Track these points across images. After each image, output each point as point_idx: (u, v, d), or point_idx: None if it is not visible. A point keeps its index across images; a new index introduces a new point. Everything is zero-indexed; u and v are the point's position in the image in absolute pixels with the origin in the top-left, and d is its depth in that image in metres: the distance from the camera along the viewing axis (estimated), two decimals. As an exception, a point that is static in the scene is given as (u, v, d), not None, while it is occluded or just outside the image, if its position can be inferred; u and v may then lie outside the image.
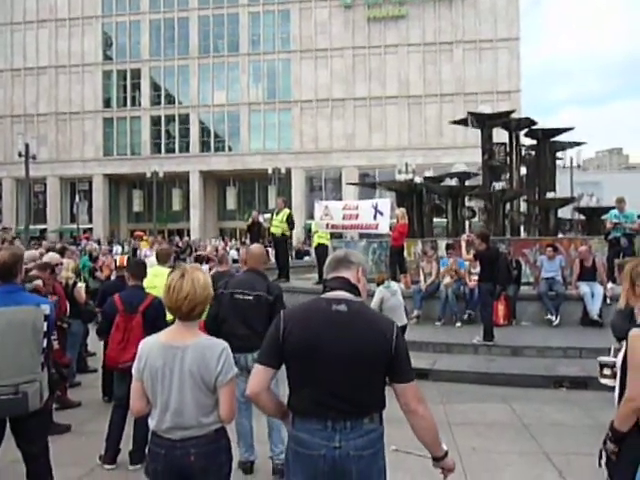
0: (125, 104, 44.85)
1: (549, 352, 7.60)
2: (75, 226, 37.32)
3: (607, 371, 3.28)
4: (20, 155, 23.58)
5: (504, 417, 5.67)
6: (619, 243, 9.86)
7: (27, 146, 23.54)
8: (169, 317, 2.58)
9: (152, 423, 2.41)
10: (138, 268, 4.85)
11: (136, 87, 44.72)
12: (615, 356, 3.07)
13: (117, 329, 4.38)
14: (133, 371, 2.42)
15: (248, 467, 4.29)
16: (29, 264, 5.88)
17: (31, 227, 32.15)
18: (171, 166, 41.15)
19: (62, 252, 7.84)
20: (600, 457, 2.66)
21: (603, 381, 3.36)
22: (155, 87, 44.89)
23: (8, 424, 3.30)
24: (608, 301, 8.97)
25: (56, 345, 5.69)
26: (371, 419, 2.13)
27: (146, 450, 2.50)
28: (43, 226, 41.56)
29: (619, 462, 2.48)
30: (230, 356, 2.39)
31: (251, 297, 4.26)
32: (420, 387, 6.49)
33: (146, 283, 4.87)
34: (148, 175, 37.20)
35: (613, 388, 2.78)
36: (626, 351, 2.57)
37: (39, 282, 5.34)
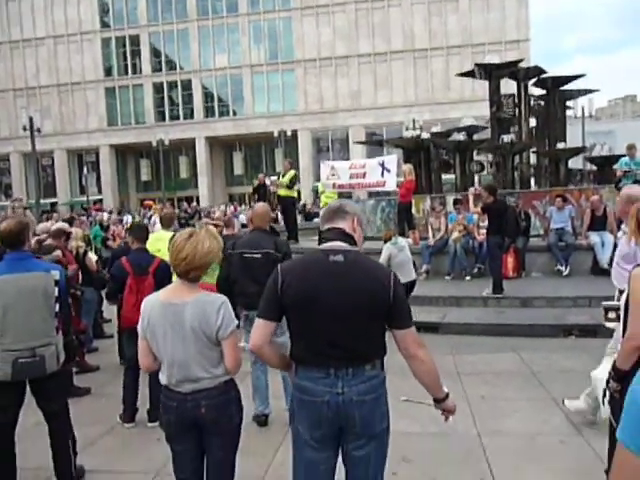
0: (126, 72, 44.29)
1: (558, 302, 7.63)
2: (85, 198, 37.47)
3: (612, 314, 3.29)
4: (25, 129, 23.56)
5: (513, 366, 5.75)
6: (630, 191, 9.71)
7: (31, 119, 23.49)
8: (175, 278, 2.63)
9: (162, 378, 2.49)
10: (140, 231, 4.91)
11: (136, 54, 44.04)
12: (619, 299, 3.09)
13: (130, 291, 4.46)
14: (138, 330, 2.49)
15: (262, 420, 4.43)
16: (42, 236, 5.96)
17: (41, 201, 32.37)
18: (176, 133, 40.88)
19: (70, 221, 7.93)
20: (604, 396, 2.72)
21: (608, 325, 3.38)
22: (155, 53, 44.20)
23: (28, 387, 3.42)
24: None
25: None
26: (373, 366, 2.18)
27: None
28: (53, 200, 41.79)
29: (622, 400, 2.51)
30: (230, 309, 2.44)
31: (259, 255, 4.31)
32: (430, 340, 6.57)
33: (150, 247, 4.93)
34: (154, 144, 37.06)
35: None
36: (629, 292, 2.58)
37: (58, 253, 5.44)
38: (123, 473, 3.80)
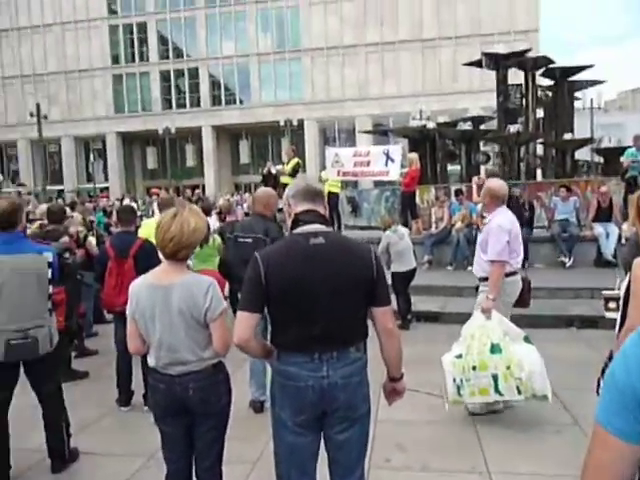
0: (133, 60, 44.22)
1: (560, 293, 7.57)
2: (92, 185, 37.63)
3: (612, 304, 3.25)
4: (32, 115, 23.63)
5: (512, 356, 5.71)
6: (636, 182, 9.62)
7: (38, 106, 23.56)
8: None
9: (151, 361, 2.48)
10: (125, 214, 4.88)
11: (143, 42, 43.94)
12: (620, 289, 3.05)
13: (110, 274, 4.46)
14: (127, 313, 2.48)
15: (258, 406, 4.42)
16: (44, 220, 5.98)
17: (49, 188, 32.59)
18: (183, 121, 40.86)
19: (72, 206, 7.93)
20: (598, 386, 2.68)
21: (608, 315, 3.34)
22: (163, 41, 44.07)
23: (22, 368, 3.43)
24: (623, 241, 8.84)
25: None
26: (357, 348, 2.16)
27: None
28: (60, 187, 41.94)
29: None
30: (218, 291, 2.42)
31: (250, 239, 4.28)
32: (430, 329, 6.56)
33: (146, 232, 4.91)
34: (160, 132, 37.08)
35: None
36: (630, 281, 2.53)
37: (66, 239, 5.44)
38: (117, 455, 3.82)
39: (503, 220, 4.18)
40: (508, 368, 3.85)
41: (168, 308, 2.37)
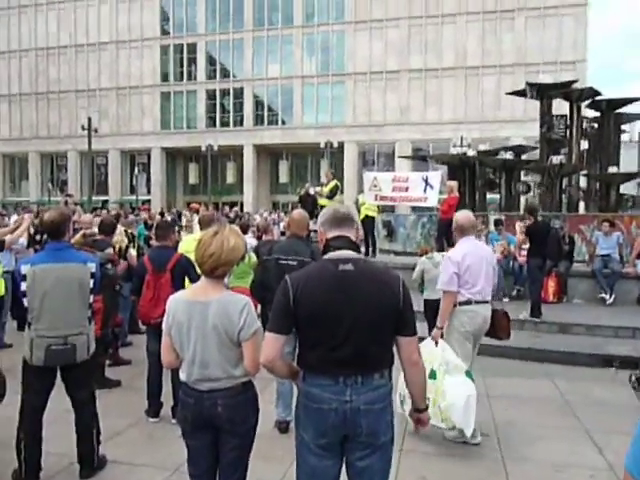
0: (182, 78, 45.64)
1: (599, 330, 7.34)
2: (134, 197, 38.71)
3: None
4: (83, 128, 24.59)
5: (546, 392, 5.56)
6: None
7: (89, 120, 24.52)
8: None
9: (182, 375, 2.53)
10: (161, 230, 5.01)
11: (192, 61, 45.34)
12: None
13: (148, 287, 4.57)
14: (163, 326, 2.53)
15: (284, 427, 4.41)
16: (89, 230, 6.21)
17: (94, 198, 33.67)
18: (225, 140, 41.76)
19: (117, 218, 8.17)
20: None
21: None
22: (211, 61, 45.38)
23: (59, 373, 3.54)
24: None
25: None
26: (381, 375, 2.17)
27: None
28: (105, 197, 43.28)
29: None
30: (253, 310, 2.45)
31: (295, 262, 4.31)
32: (458, 360, 6.28)
33: (186, 247, 5.03)
34: (203, 148, 37.98)
35: None
36: None
37: (111, 250, 5.64)
38: (143, 466, 3.87)
39: (454, 252, 4.33)
40: (435, 395, 4.00)
41: (203, 324, 2.42)
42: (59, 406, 3.74)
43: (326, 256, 2.24)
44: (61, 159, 47.29)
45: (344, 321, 2.10)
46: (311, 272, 2.25)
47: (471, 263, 4.24)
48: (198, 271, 2.58)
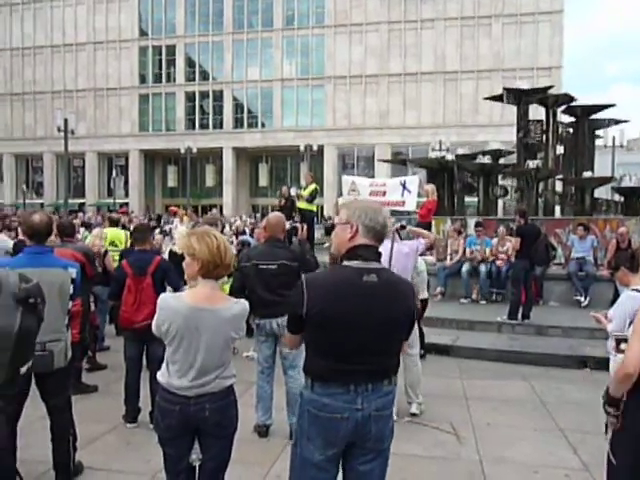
0: (160, 80, 45.23)
1: (575, 332, 7.47)
2: (112, 200, 38.19)
3: (624, 346, 3.22)
4: (59, 130, 24.13)
5: (522, 394, 5.64)
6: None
7: (66, 121, 24.06)
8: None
9: (165, 380, 2.46)
10: (139, 233, 4.97)
11: (171, 63, 44.99)
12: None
13: (129, 291, 4.51)
14: (153, 329, 2.48)
15: (264, 431, 4.40)
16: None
17: (70, 201, 33.08)
18: (205, 142, 41.50)
19: (117, 222, 8.23)
20: (606, 429, 2.65)
21: (620, 356, 3.30)
22: (190, 63, 45.08)
23: (33, 380, 3.47)
24: (640, 283, 8.72)
25: (92, 307, 5.96)
26: (390, 381, 2.20)
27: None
28: (82, 200, 42.61)
29: (622, 435, 2.45)
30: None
31: (275, 266, 4.31)
32: (441, 363, 6.51)
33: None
34: (182, 151, 37.67)
35: None
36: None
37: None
38: (121, 473, 3.82)
39: None
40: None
41: (212, 330, 2.42)
42: (34, 412, 3.67)
43: (351, 263, 2.14)
44: (36, 161, 46.45)
45: (361, 331, 2.09)
46: (331, 278, 2.20)
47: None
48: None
